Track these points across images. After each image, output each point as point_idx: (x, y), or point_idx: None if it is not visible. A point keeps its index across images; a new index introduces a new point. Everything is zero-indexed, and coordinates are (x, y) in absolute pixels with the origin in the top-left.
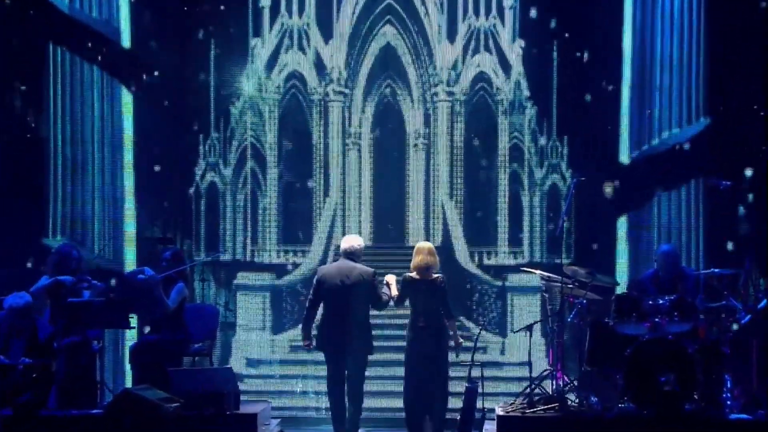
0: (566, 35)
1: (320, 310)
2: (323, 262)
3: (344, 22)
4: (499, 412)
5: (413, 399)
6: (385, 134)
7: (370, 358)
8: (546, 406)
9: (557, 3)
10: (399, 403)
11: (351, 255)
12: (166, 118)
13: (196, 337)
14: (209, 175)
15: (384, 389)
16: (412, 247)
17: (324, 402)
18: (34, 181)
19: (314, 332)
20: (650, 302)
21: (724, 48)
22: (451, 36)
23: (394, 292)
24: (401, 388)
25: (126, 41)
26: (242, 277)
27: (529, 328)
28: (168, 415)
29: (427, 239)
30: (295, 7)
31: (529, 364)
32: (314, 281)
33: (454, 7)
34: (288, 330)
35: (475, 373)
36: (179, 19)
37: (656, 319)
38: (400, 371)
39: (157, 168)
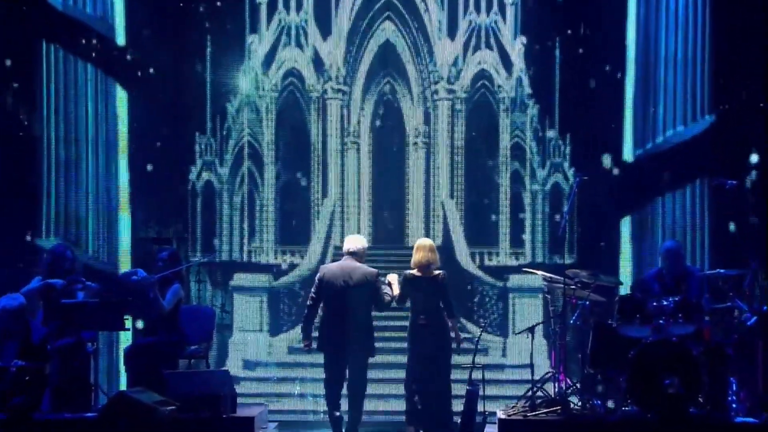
0: (569, 32)
1: (320, 311)
2: (321, 262)
3: (343, 19)
4: (501, 415)
5: (415, 398)
6: (385, 132)
7: (370, 360)
8: (548, 409)
9: None
10: (399, 406)
11: (354, 254)
12: (161, 116)
13: (192, 339)
14: (205, 174)
15: (383, 392)
16: (412, 248)
17: (322, 405)
18: (26, 180)
19: (314, 333)
20: (654, 304)
21: (729, 45)
22: (452, 32)
23: (396, 291)
24: (401, 391)
25: (120, 38)
26: (239, 278)
27: (531, 329)
28: (163, 418)
29: None
30: (293, 3)
31: (531, 366)
32: (316, 280)
33: (455, 3)
34: (286, 332)
35: (476, 375)
36: (175, 15)
37: (660, 321)
38: (400, 374)
39: (149, 167)
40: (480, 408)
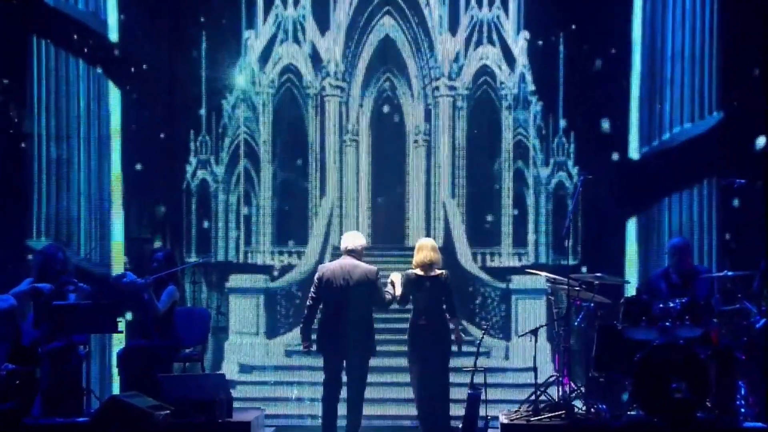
0: (573, 27)
1: (319, 311)
2: (320, 263)
3: (341, 13)
4: (503, 419)
5: (421, 399)
6: (385, 130)
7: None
8: (552, 414)
9: None
10: (399, 410)
11: (353, 253)
12: (155, 113)
13: (187, 341)
14: (200, 172)
15: (383, 396)
16: (412, 248)
17: (320, 409)
18: (16, 179)
19: (314, 335)
20: (660, 306)
21: (738, 40)
22: (453, 27)
23: (399, 291)
24: (401, 395)
25: (113, 34)
26: (235, 280)
27: (534, 332)
28: (157, 423)
29: None
30: None
31: (535, 369)
32: (315, 280)
33: None
34: (283, 334)
35: (478, 379)
36: (169, 10)
37: (667, 323)
38: (399, 377)
39: (139, 166)
40: (482, 412)
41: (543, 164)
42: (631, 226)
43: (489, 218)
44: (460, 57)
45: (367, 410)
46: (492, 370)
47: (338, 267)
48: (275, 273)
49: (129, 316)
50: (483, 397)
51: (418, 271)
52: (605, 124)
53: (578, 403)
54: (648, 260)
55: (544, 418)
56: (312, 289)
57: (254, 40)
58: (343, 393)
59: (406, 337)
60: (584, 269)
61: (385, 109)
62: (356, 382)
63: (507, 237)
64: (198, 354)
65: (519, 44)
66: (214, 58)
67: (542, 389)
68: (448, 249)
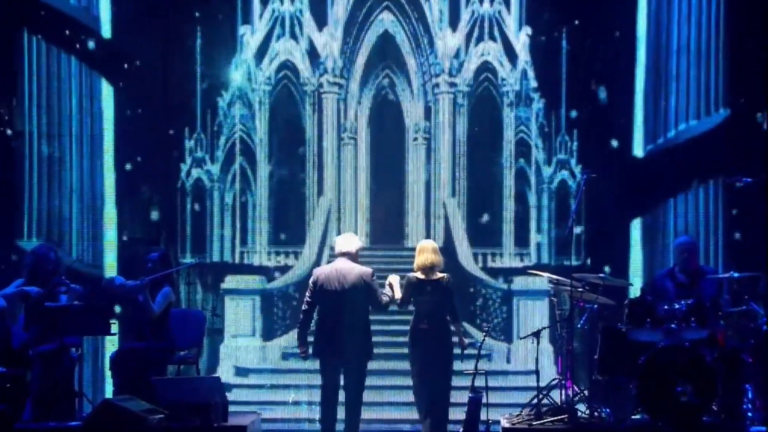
0: (576, 22)
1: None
2: (317, 264)
3: (339, 8)
4: (505, 424)
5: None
6: (383, 128)
7: (368, 366)
8: (554, 418)
9: None
10: (398, 414)
11: (347, 255)
12: (148, 111)
13: (182, 344)
14: (195, 171)
15: (381, 400)
16: (412, 249)
17: (318, 413)
18: (7, 178)
19: (310, 338)
20: (665, 307)
21: (745, 34)
22: (454, 23)
23: (398, 293)
24: (401, 398)
25: (106, 30)
26: (231, 281)
27: (536, 334)
28: (151, 427)
29: None
30: None
31: (537, 372)
32: (309, 284)
33: None
34: (279, 336)
35: (479, 382)
36: (163, 5)
37: (672, 325)
38: (399, 381)
39: (129, 166)
40: (483, 416)
41: (545, 163)
42: (636, 226)
43: (490, 218)
44: (460, 53)
45: (366, 414)
46: (493, 373)
47: (333, 270)
48: (277, 274)
49: (117, 308)
50: (484, 400)
51: (419, 275)
52: (602, 94)
53: (581, 407)
54: (653, 261)
55: (547, 422)
56: (307, 294)
57: (250, 36)
58: (341, 397)
59: (404, 340)
60: (589, 261)
61: (384, 106)
62: (354, 385)
63: (508, 237)
64: (193, 356)
65: (521, 40)
66: (210, 54)
67: (544, 393)
68: (448, 249)
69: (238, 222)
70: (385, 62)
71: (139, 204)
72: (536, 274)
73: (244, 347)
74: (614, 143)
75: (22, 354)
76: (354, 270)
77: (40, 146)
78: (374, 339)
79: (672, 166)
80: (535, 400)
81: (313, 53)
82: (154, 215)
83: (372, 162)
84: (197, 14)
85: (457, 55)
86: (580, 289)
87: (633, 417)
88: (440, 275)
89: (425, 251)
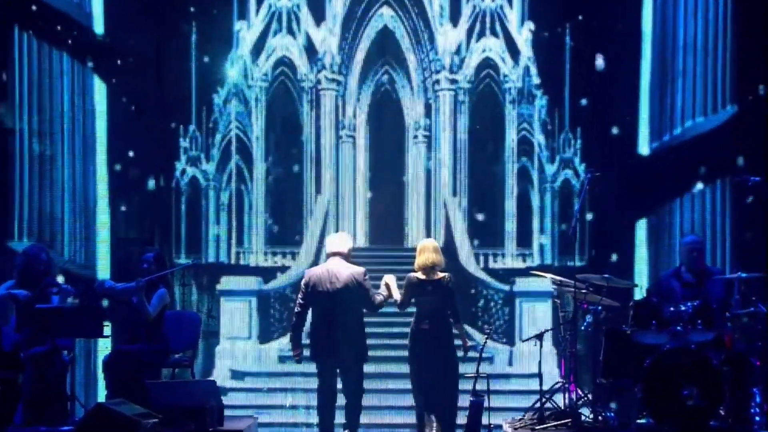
0: (580, 17)
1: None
2: (315, 264)
3: (338, 3)
4: (507, 428)
5: (423, 406)
6: (383, 126)
7: (366, 369)
8: (558, 422)
9: None
10: (398, 418)
11: (339, 255)
12: (142, 108)
13: (176, 346)
14: (190, 170)
15: (381, 403)
16: (411, 249)
17: (315, 417)
18: None
19: (305, 341)
20: (671, 309)
21: (753, 30)
22: (455, 18)
23: (396, 294)
24: (401, 402)
25: (99, 26)
26: (226, 282)
27: (539, 336)
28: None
29: None
30: None
31: (540, 375)
32: (301, 285)
33: None
34: (276, 339)
35: (481, 385)
36: (157, 1)
37: (678, 327)
38: (399, 384)
39: (130, 163)
40: (485, 420)
41: (548, 161)
42: (641, 226)
43: (492, 218)
44: (461, 49)
45: (365, 418)
46: (495, 377)
47: (324, 271)
48: (278, 274)
49: (106, 302)
50: (486, 404)
51: (420, 275)
52: (599, 60)
53: (585, 411)
54: (659, 261)
55: (550, 426)
56: (299, 295)
57: (246, 32)
58: (340, 400)
59: (403, 342)
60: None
61: (384, 103)
62: (352, 388)
63: (511, 237)
64: (188, 359)
65: (523, 36)
66: (205, 50)
67: (548, 396)
68: (449, 249)
69: (234, 222)
70: (385, 58)
71: (132, 203)
72: (539, 275)
73: (240, 350)
74: (618, 140)
75: (13, 356)
76: (346, 270)
77: (31, 144)
78: (374, 342)
79: (678, 164)
80: (538, 404)
81: (310, 49)
82: (148, 214)
83: (371, 160)
84: (192, 9)
85: (458, 51)
86: (583, 291)
87: (638, 421)
88: (441, 275)
89: (426, 251)
